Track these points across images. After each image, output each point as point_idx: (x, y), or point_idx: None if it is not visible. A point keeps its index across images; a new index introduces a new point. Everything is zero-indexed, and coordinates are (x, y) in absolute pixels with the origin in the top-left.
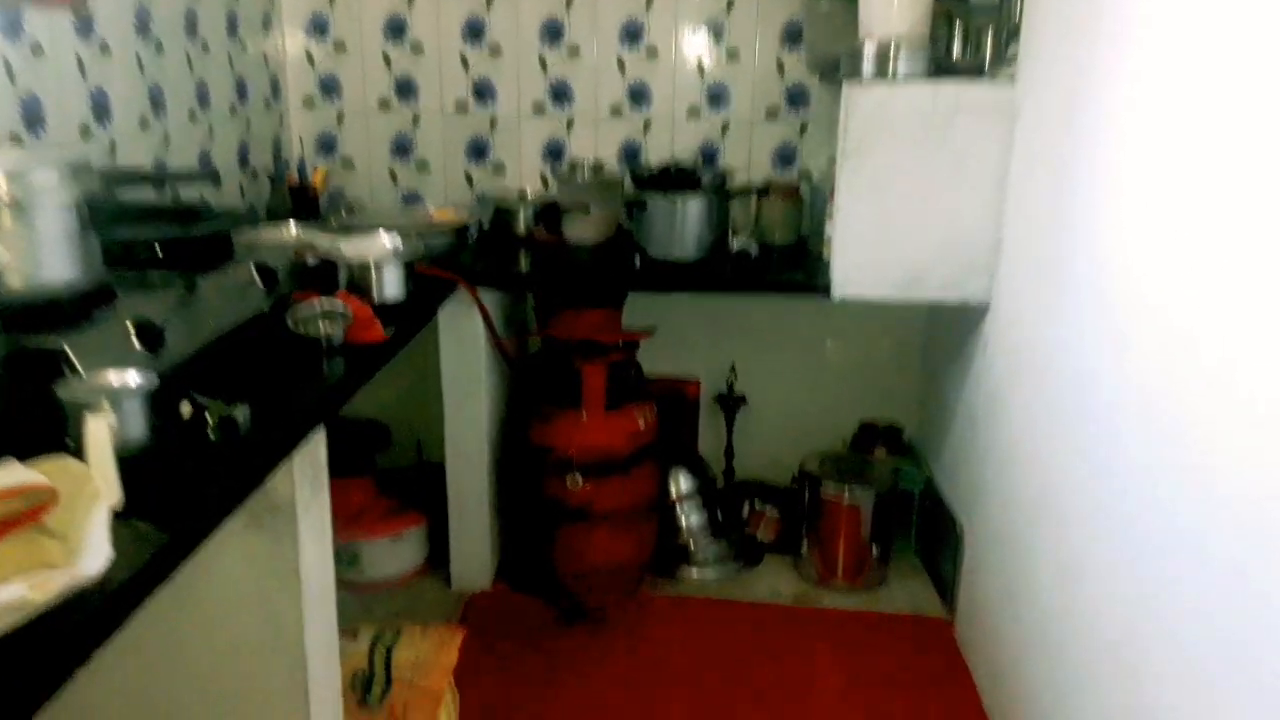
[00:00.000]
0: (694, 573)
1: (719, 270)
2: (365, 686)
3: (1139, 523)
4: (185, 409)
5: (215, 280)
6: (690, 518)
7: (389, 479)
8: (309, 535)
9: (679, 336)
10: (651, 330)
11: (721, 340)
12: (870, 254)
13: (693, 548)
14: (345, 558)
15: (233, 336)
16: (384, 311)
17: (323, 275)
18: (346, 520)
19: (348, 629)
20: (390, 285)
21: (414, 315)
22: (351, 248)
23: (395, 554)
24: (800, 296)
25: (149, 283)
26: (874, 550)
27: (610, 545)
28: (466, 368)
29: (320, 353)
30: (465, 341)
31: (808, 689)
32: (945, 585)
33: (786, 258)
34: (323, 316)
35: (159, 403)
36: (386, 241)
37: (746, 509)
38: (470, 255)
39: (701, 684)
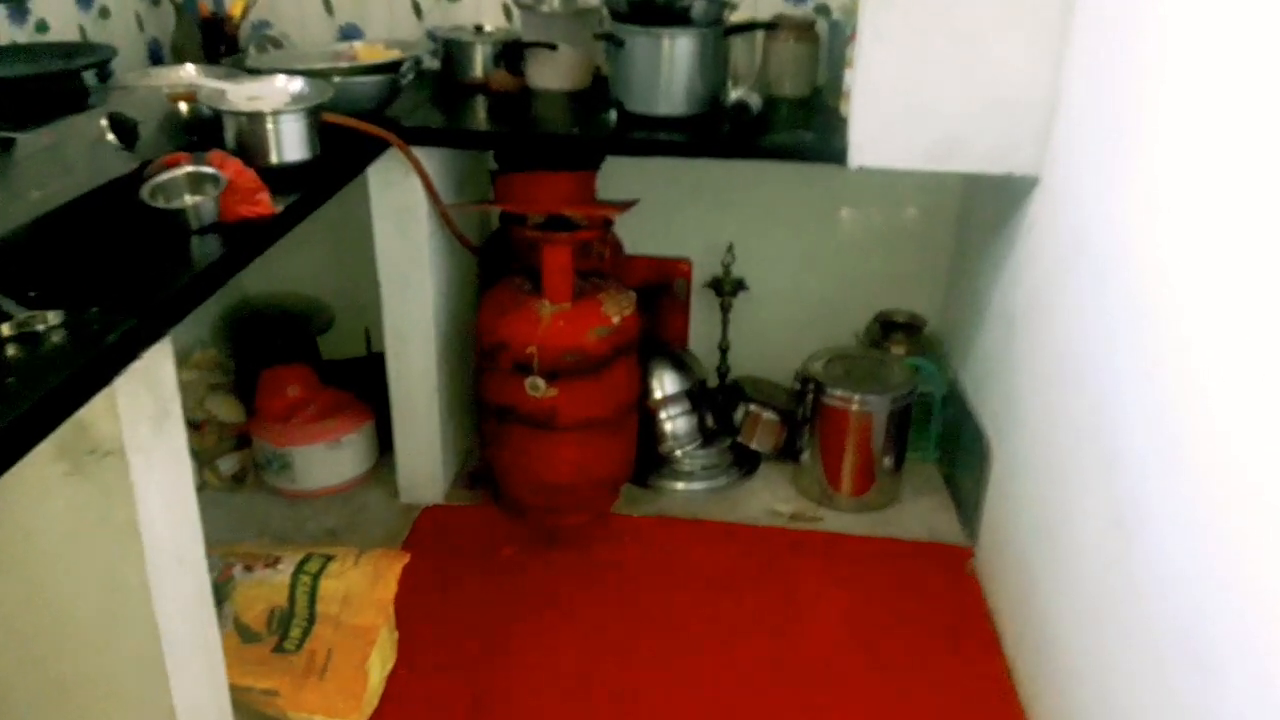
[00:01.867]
0: (679, 485)
1: (713, 129)
2: (284, 627)
3: (1223, 475)
4: None
5: (45, 136)
6: (675, 423)
7: (336, 371)
8: (151, 486)
9: (667, 208)
10: (632, 202)
11: (717, 214)
12: (898, 112)
13: (677, 457)
14: (276, 463)
15: (69, 212)
16: (280, 176)
17: (212, 131)
18: (277, 417)
19: (266, 555)
20: (290, 143)
21: (322, 181)
22: (239, 95)
23: (333, 460)
24: (810, 164)
25: None
26: (885, 463)
27: (579, 459)
28: (406, 245)
29: (185, 233)
30: (404, 213)
31: (801, 624)
32: (967, 507)
33: (796, 114)
34: (188, 185)
35: None
36: (285, 86)
37: (741, 413)
38: (413, 104)
39: (682, 617)
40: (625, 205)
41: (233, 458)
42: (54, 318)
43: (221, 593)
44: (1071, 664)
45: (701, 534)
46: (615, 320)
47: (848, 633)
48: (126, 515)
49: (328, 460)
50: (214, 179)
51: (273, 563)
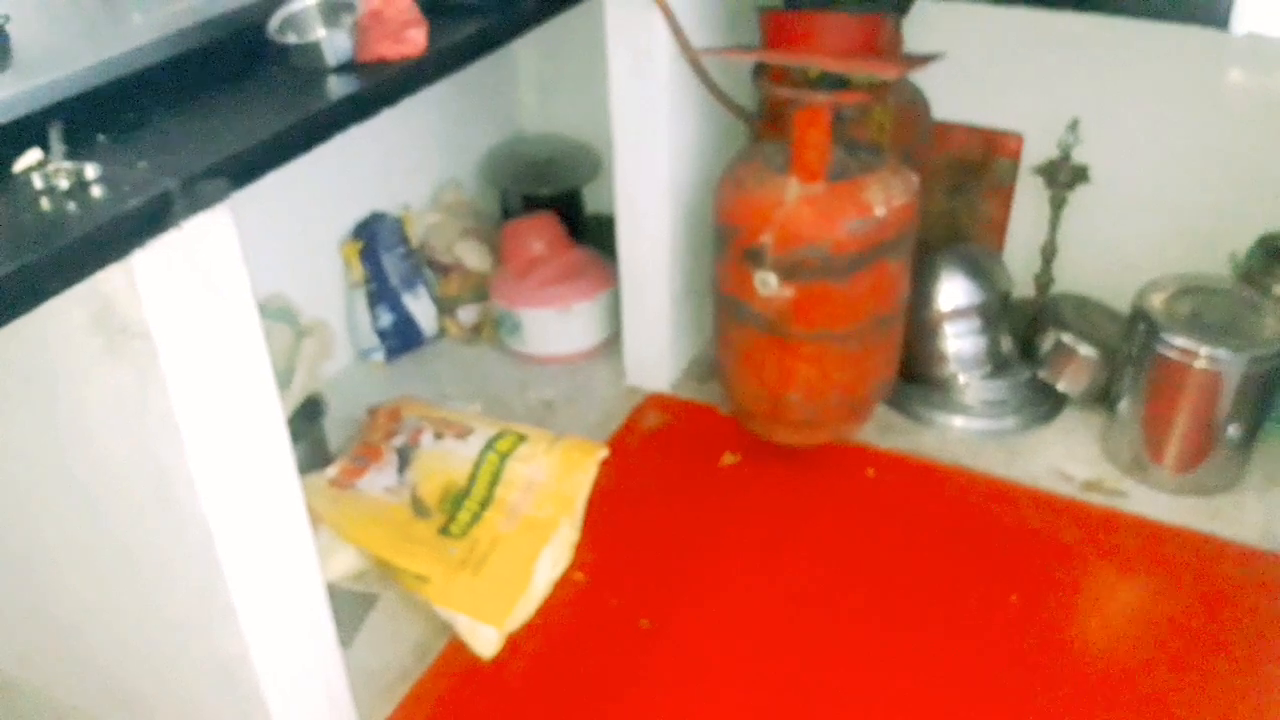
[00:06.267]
0: (952, 419)
1: None
2: (455, 507)
3: None
4: (29, 159)
5: None
6: (961, 342)
7: (598, 228)
8: (194, 375)
9: (998, 66)
10: (927, 59)
11: (1062, 81)
12: None
13: (958, 385)
14: (508, 322)
15: (177, 43)
16: (460, 7)
17: None
18: (514, 274)
19: (460, 425)
20: None
21: (508, 14)
22: None
23: (563, 328)
24: (1179, 25)
25: None
26: (1229, 434)
27: (811, 375)
28: (643, 95)
29: (308, 76)
30: (641, 56)
31: (1063, 633)
32: None
33: None
34: (323, 16)
35: None
36: None
37: (1050, 341)
38: None
39: (905, 588)
40: (916, 62)
41: (474, 309)
42: (92, 171)
43: (406, 459)
44: None
45: (959, 486)
46: (879, 212)
47: (1129, 655)
48: (162, 405)
49: (557, 327)
50: (349, 6)
51: (464, 434)
